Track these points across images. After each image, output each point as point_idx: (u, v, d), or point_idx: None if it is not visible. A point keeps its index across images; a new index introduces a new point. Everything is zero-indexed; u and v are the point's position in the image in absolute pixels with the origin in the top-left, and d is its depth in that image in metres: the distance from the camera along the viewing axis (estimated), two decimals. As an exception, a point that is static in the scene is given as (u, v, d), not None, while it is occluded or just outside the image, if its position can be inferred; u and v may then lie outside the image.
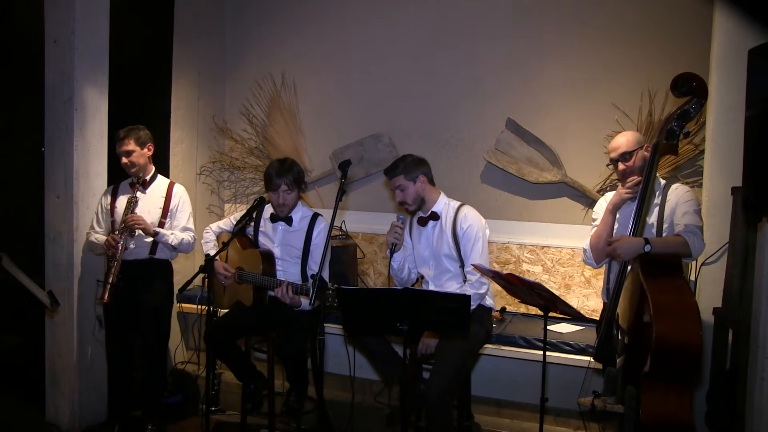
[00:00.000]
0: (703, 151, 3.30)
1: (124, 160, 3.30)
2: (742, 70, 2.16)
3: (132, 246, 3.30)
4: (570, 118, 3.79)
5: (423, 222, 3.11)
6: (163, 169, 4.16)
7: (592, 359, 2.79)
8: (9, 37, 3.89)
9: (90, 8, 3.42)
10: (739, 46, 2.67)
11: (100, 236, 3.34)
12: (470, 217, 3.00)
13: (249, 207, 3.11)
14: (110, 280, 3.17)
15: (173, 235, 3.33)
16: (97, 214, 3.42)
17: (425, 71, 4.12)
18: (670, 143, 2.46)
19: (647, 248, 2.40)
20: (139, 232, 3.27)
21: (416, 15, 4.14)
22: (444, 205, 3.08)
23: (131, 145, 3.28)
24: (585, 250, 2.89)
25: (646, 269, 2.38)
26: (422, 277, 3.19)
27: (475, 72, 4.01)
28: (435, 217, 3.06)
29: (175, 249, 3.38)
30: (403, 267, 3.16)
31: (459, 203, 3.07)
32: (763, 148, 2.04)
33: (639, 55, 3.61)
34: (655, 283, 2.31)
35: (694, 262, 3.05)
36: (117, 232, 3.24)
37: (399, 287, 2.48)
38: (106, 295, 3.16)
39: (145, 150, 3.34)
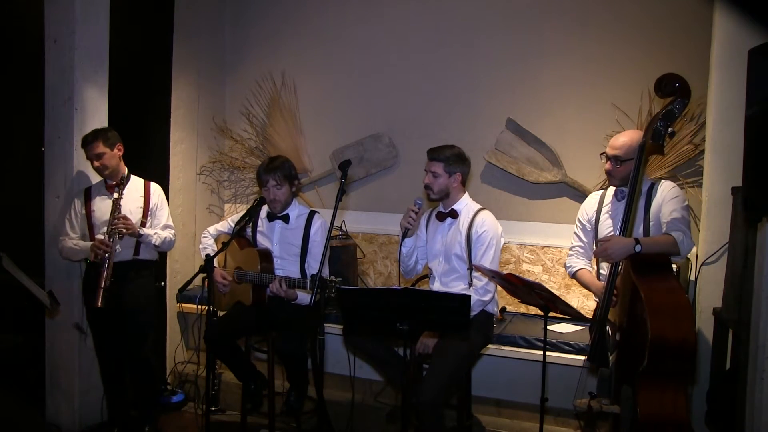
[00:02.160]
0: (703, 151, 3.30)
1: (96, 163, 3.24)
2: (742, 70, 2.15)
3: (119, 249, 3.25)
4: (570, 118, 3.79)
5: (441, 217, 3.10)
6: (163, 169, 4.17)
7: (586, 359, 2.79)
8: (9, 37, 3.88)
9: (90, 8, 3.42)
10: (739, 46, 2.67)
11: (80, 242, 3.29)
12: (487, 222, 2.97)
13: (249, 207, 3.11)
14: (103, 285, 3.12)
15: (156, 234, 3.30)
16: (70, 219, 3.33)
17: (425, 71, 4.12)
18: (656, 143, 2.46)
19: (638, 248, 2.40)
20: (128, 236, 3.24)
21: (416, 15, 4.14)
22: (465, 205, 3.05)
23: (100, 147, 3.21)
24: (569, 267, 2.93)
25: (637, 268, 2.38)
26: (430, 272, 3.18)
27: (475, 72, 4.01)
28: (453, 215, 3.05)
29: (158, 248, 3.38)
30: (412, 254, 3.13)
31: (479, 207, 3.05)
32: (763, 148, 2.04)
33: (639, 55, 3.61)
34: (647, 282, 2.32)
35: (693, 262, 3.06)
36: (107, 236, 3.18)
37: (399, 287, 2.48)
38: (100, 300, 3.11)
39: (115, 151, 3.27)
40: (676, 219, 2.51)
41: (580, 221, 2.92)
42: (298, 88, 4.45)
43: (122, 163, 3.36)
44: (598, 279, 2.81)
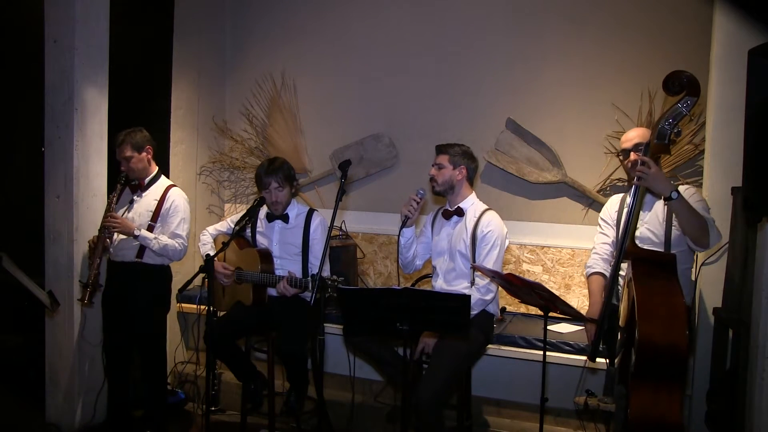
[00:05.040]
0: (703, 151, 3.30)
1: (122, 167, 3.29)
2: (742, 70, 2.16)
3: (112, 250, 3.29)
4: (570, 118, 3.80)
5: (447, 215, 3.11)
6: (164, 169, 4.15)
7: (587, 359, 2.79)
8: (9, 37, 3.88)
9: (90, 8, 3.42)
10: (739, 46, 2.67)
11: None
12: (493, 222, 2.98)
13: (249, 207, 3.11)
14: (89, 281, 3.17)
15: (156, 240, 3.24)
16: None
17: (425, 71, 4.13)
18: (660, 143, 2.40)
19: (674, 195, 2.34)
20: (122, 235, 3.25)
21: (417, 15, 4.14)
22: (471, 204, 3.07)
23: (128, 151, 3.25)
24: (587, 268, 2.92)
25: (638, 268, 2.36)
26: (434, 269, 3.18)
27: (475, 72, 4.01)
28: (460, 212, 3.06)
29: (159, 255, 3.30)
30: (411, 246, 3.12)
31: (486, 207, 3.07)
32: (763, 148, 2.04)
33: (639, 55, 3.61)
34: (645, 282, 2.29)
35: (694, 261, 3.05)
36: (98, 234, 3.25)
37: (399, 287, 2.48)
38: (86, 298, 3.17)
39: (143, 154, 3.30)
40: (704, 215, 2.49)
41: (603, 220, 2.91)
42: (298, 88, 4.45)
43: (152, 164, 3.38)
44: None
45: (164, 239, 3.27)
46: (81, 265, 3.45)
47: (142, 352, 3.40)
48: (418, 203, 2.99)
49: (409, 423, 2.72)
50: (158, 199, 3.34)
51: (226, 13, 4.68)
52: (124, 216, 3.29)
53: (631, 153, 2.69)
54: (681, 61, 3.34)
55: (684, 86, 2.36)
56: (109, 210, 3.25)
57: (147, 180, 3.37)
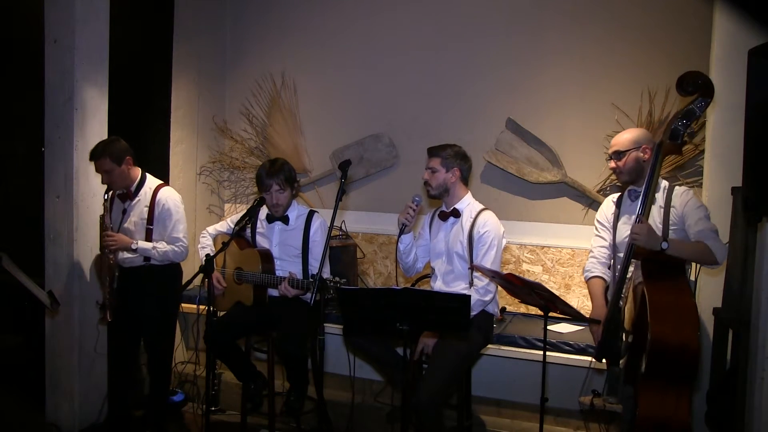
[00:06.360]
0: (703, 151, 3.30)
1: (103, 180, 3.22)
2: (742, 70, 2.16)
3: (119, 257, 3.27)
4: (570, 118, 3.80)
5: (444, 217, 3.10)
6: (163, 169, 4.17)
7: (593, 359, 2.79)
8: (9, 37, 3.89)
9: (90, 8, 3.42)
10: (739, 46, 2.67)
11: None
12: (490, 223, 2.97)
13: (249, 207, 3.11)
14: (105, 301, 3.19)
15: (155, 249, 3.19)
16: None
17: (425, 71, 4.13)
18: (673, 143, 2.38)
19: (664, 245, 2.33)
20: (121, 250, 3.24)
21: (416, 15, 4.15)
22: (467, 204, 3.05)
23: (108, 164, 3.14)
24: (586, 272, 2.88)
25: (648, 269, 2.35)
26: (433, 271, 3.18)
27: (475, 72, 4.01)
28: (456, 213, 3.05)
29: (161, 262, 3.26)
30: (410, 251, 3.11)
31: (482, 207, 3.04)
32: (763, 148, 2.04)
33: (639, 55, 3.62)
34: (656, 283, 2.29)
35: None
36: (99, 253, 3.24)
37: (398, 287, 2.47)
38: (108, 317, 3.20)
39: (124, 166, 3.18)
40: (706, 228, 2.45)
41: (599, 222, 2.85)
42: (298, 88, 4.46)
43: (133, 171, 3.26)
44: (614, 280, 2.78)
45: (163, 247, 3.22)
46: (81, 265, 3.45)
47: (150, 353, 3.38)
48: (414, 210, 2.97)
49: (409, 423, 2.72)
50: (148, 205, 3.26)
51: (226, 12, 4.68)
52: (120, 227, 3.25)
53: (611, 161, 2.68)
54: (681, 61, 3.34)
55: (698, 87, 2.32)
56: (103, 228, 3.21)
57: (134, 187, 3.27)
